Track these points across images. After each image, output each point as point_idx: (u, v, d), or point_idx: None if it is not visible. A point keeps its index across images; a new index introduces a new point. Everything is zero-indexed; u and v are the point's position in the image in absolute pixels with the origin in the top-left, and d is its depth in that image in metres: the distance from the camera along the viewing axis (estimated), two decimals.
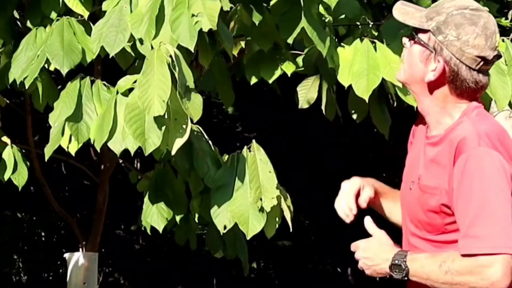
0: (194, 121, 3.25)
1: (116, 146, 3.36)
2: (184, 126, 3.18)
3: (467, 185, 2.35)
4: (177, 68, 3.14)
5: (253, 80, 3.63)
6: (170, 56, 3.15)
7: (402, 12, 2.55)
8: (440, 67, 2.44)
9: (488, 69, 2.47)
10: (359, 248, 2.53)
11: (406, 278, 2.43)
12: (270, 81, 3.56)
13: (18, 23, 4.14)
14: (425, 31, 2.47)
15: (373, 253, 2.51)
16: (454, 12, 2.44)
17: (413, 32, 2.51)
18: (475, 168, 2.35)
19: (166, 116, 3.14)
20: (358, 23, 3.93)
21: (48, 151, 3.52)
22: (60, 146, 3.54)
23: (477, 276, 2.31)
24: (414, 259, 2.43)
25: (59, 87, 4.11)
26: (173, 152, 3.22)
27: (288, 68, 3.51)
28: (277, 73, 3.54)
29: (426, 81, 2.48)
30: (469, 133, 2.39)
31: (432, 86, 2.49)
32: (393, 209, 2.80)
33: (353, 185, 2.68)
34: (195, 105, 3.18)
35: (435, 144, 2.47)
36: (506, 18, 6.65)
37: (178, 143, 3.20)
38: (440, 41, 2.44)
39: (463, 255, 2.34)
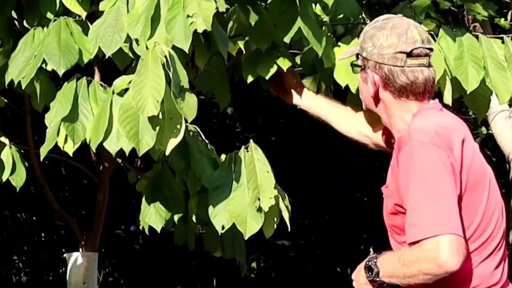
0: (189, 121, 3.24)
1: (112, 146, 3.36)
2: (178, 126, 3.17)
3: (405, 179, 2.43)
4: (171, 69, 3.14)
5: (250, 79, 3.62)
6: (165, 56, 3.15)
7: (342, 52, 2.93)
8: (371, 77, 2.65)
9: (423, 64, 2.59)
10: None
11: (378, 280, 2.47)
12: (267, 77, 3.56)
13: (16, 23, 4.14)
14: (358, 57, 2.72)
15: (355, 273, 2.60)
16: (367, 28, 2.70)
17: (351, 63, 2.77)
18: (409, 161, 2.46)
19: (160, 116, 3.14)
20: (356, 22, 3.93)
21: (44, 151, 3.52)
22: (59, 147, 3.54)
23: (426, 261, 2.35)
24: (382, 258, 2.50)
25: (58, 87, 4.10)
26: (167, 152, 3.21)
27: (284, 63, 3.50)
28: (273, 69, 3.53)
29: (371, 96, 2.67)
30: (405, 131, 2.49)
31: (378, 98, 2.67)
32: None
33: None
34: (189, 105, 3.18)
35: (393, 150, 2.58)
36: (506, 19, 6.66)
37: (172, 143, 3.19)
38: (364, 57, 2.67)
39: (410, 244, 2.39)
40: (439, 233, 2.32)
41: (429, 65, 2.63)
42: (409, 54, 2.59)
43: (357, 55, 2.73)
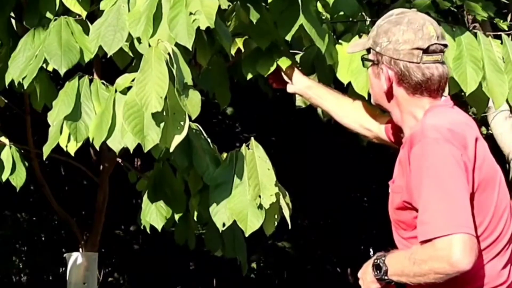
0: (193, 118, 3.25)
1: (115, 144, 3.36)
2: (182, 123, 3.18)
3: (417, 176, 2.42)
4: (175, 65, 3.14)
5: (249, 76, 3.62)
6: (168, 53, 3.15)
7: (351, 45, 2.88)
8: (385, 73, 2.60)
9: (438, 60, 2.57)
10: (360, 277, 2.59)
11: (386, 278, 2.45)
12: (266, 75, 3.56)
13: (14, 23, 4.13)
14: (370, 52, 2.67)
15: (362, 272, 2.57)
16: (382, 22, 2.64)
17: (362, 57, 2.71)
18: (422, 158, 2.43)
19: (164, 113, 3.15)
20: (356, 20, 3.93)
21: (46, 150, 3.52)
22: (60, 146, 3.54)
23: (438, 260, 2.32)
24: (391, 257, 2.47)
25: (59, 87, 4.11)
26: (171, 149, 3.22)
27: (284, 63, 3.49)
28: (273, 68, 3.53)
29: (384, 91, 2.62)
30: (418, 128, 2.48)
31: (391, 94, 2.63)
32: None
33: None
34: (193, 102, 3.18)
35: (402, 146, 2.55)
36: (505, 20, 6.64)
37: (177, 140, 3.19)
38: (378, 52, 2.62)
39: (422, 243, 2.37)
40: (452, 232, 2.29)
41: (443, 62, 2.60)
42: (425, 51, 2.56)
43: (369, 49, 2.70)
